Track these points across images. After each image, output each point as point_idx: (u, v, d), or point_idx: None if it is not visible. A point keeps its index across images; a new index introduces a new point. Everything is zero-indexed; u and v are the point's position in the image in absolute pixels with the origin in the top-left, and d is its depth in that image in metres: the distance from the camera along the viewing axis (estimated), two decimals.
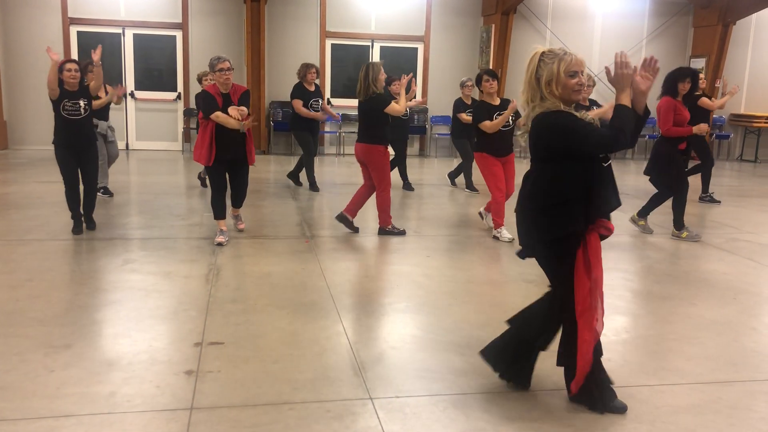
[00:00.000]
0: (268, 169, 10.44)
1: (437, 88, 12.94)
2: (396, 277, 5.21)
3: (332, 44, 12.86)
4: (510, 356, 3.30)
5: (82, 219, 6.31)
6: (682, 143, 6.62)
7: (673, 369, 3.65)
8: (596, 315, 2.99)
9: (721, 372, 3.64)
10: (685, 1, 13.64)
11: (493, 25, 12.64)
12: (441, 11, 13.08)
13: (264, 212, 7.49)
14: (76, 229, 6.22)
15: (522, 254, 3.21)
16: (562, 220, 2.96)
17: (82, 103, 6.14)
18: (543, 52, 3.00)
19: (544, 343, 3.21)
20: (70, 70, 6.03)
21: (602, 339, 4.08)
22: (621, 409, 3.14)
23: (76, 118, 6.13)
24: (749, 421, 3.11)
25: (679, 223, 6.75)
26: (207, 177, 6.44)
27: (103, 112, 7.70)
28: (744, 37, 13.95)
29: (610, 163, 3.03)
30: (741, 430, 3.02)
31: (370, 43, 13.04)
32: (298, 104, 8.73)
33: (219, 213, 6.09)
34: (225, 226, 6.12)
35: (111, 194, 8.01)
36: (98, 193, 7.92)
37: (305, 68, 8.84)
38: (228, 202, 6.26)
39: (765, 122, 13.93)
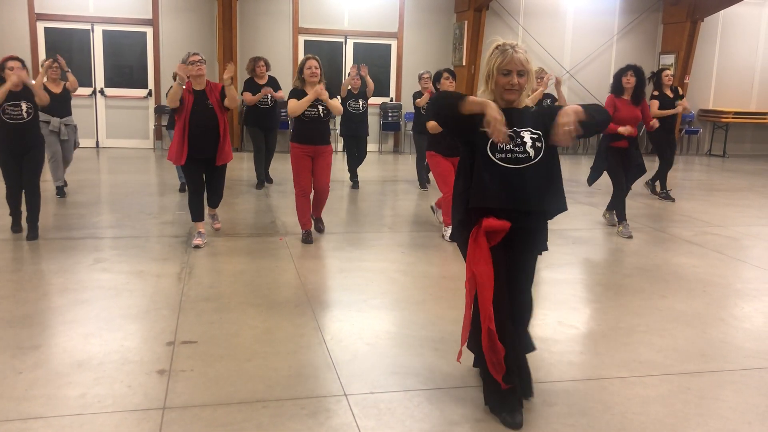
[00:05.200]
0: (241, 167, 10.37)
1: (411, 84, 12.93)
2: (370, 274, 5.21)
3: (305, 40, 12.80)
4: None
5: (21, 218, 6.04)
6: (618, 141, 6.63)
7: (643, 361, 3.70)
8: (488, 309, 2.90)
9: (690, 363, 3.70)
10: None
11: (466, 22, 12.68)
12: (414, 8, 13.10)
13: (237, 210, 7.44)
14: (15, 228, 6.05)
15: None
16: (454, 210, 3.11)
17: (24, 105, 5.69)
18: (497, 46, 2.99)
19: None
20: (12, 68, 5.60)
21: (574, 331, 4.15)
22: (511, 424, 2.96)
23: (18, 123, 5.70)
24: (717, 410, 3.17)
25: (619, 215, 6.83)
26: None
27: (59, 108, 7.42)
28: (712, 33, 14.19)
29: (524, 164, 2.92)
30: (709, 420, 3.07)
31: (343, 40, 13.01)
32: (247, 97, 8.69)
33: (196, 215, 5.91)
34: (203, 228, 5.97)
35: (64, 195, 7.70)
36: (55, 194, 7.77)
37: (253, 62, 8.78)
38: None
39: (733, 117, 14.20)
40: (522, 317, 3.17)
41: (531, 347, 3.29)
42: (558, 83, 6.85)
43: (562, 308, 4.58)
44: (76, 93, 8.07)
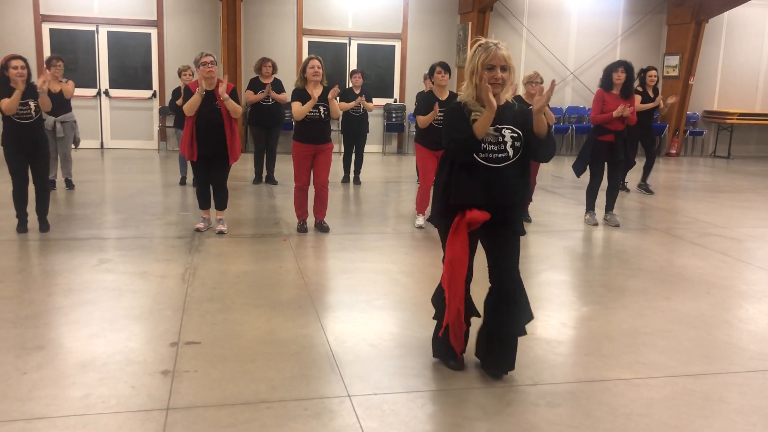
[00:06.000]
0: (245, 168, 10.37)
1: (415, 85, 12.93)
2: (374, 275, 5.21)
3: (309, 42, 12.81)
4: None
5: (27, 219, 6.11)
6: (605, 135, 6.84)
7: (647, 362, 3.69)
8: (454, 293, 3.27)
9: (694, 365, 3.69)
10: None
11: (470, 23, 12.67)
12: (418, 9, 13.10)
13: (241, 210, 7.44)
14: (21, 228, 6.05)
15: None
16: (435, 199, 3.36)
17: (32, 104, 5.82)
18: (479, 44, 3.15)
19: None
20: (16, 68, 5.66)
21: (577, 333, 4.15)
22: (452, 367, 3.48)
23: (27, 122, 5.81)
24: (722, 412, 3.16)
25: (588, 204, 7.24)
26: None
27: (56, 107, 7.39)
28: (716, 34, 14.16)
29: (503, 163, 3.18)
30: (714, 422, 3.06)
31: (347, 41, 13.02)
32: (249, 95, 8.92)
33: (203, 204, 6.32)
34: (207, 215, 6.33)
35: (54, 188, 7.85)
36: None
37: (261, 62, 8.96)
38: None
39: (737, 119, 14.16)
40: (514, 292, 3.33)
41: (529, 316, 3.43)
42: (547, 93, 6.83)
43: (565, 310, 4.57)
44: (80, 94, 8.17)
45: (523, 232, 3.38)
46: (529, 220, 7.02)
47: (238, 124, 6.31)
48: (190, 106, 5.84)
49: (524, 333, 3.45)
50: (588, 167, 7.11)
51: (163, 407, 3.03)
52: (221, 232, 6.24)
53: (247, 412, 3.02)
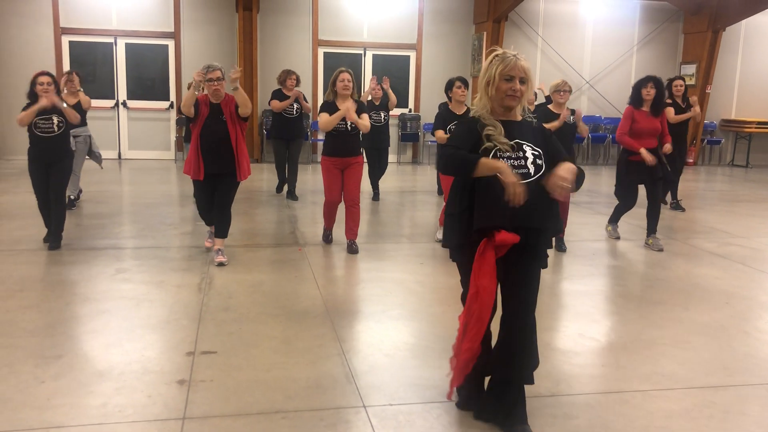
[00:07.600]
0: (261, 178, 10.43)
1: (430, 95, 12.97)
2: (389, 285, 5.20)
3: (324, 52, 12.88)
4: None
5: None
6: (636, 154, 6.39)
7: (666, 374, 3.65)
8: (481, 328, 2.90)
9: (713, 376, 3.64)
10: (674, 8, 13.73)
11: (485, 33, 12.69)
12: (433, 19, 13.13)
13: (257, 220, 7.48)
14: (48, 238, 6.08)
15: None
16: (452, 231, 3.02)
17: (55, 119, 5.86)
18: (496, 55, 2.95)
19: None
20: (42, 84, 5.75)
21: (595, 344, 4.11)
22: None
23: (49, 135, 5.87)
24: (743, 425, 3.11)
25: (612, 219, 7.07)
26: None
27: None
28: (734, 43, 14.05)
29: (524, 180, 2.81)
30: None
31: (362, 51, 13.07)
32: (275, 104, 8.77)
33: (208, 221, 5.97)
34: (222, 245, 5.79)
35: (72, 207, 7.63)
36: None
37: (285, 74, 8.86)
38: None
39: (756, 127, 14.02)
40: (526, 333, 2.97)
41: (536, 362, 3.05)
42: (578, 116, 6.61)
43: (582, 320, 4.54)
44: (98, 105, 8.19)
45: (545, 265, 3.02)
46: (564, 250, 6.38)
47: (252, 136, 6.18)
48: (185, 103, 5.44)
49: (532, 382, 3.04)
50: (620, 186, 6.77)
51: (179, 417, 3.04)
52: (221, 264, 5.55)
53: (262, 422, 3.02)
